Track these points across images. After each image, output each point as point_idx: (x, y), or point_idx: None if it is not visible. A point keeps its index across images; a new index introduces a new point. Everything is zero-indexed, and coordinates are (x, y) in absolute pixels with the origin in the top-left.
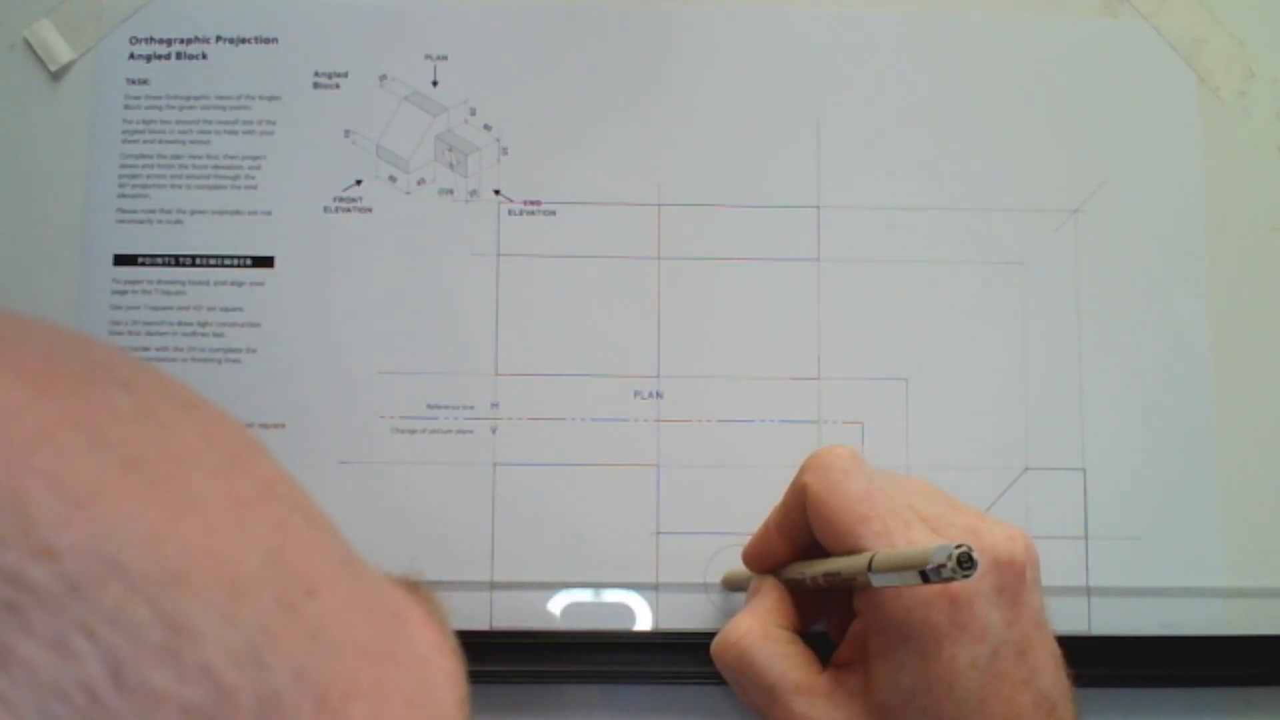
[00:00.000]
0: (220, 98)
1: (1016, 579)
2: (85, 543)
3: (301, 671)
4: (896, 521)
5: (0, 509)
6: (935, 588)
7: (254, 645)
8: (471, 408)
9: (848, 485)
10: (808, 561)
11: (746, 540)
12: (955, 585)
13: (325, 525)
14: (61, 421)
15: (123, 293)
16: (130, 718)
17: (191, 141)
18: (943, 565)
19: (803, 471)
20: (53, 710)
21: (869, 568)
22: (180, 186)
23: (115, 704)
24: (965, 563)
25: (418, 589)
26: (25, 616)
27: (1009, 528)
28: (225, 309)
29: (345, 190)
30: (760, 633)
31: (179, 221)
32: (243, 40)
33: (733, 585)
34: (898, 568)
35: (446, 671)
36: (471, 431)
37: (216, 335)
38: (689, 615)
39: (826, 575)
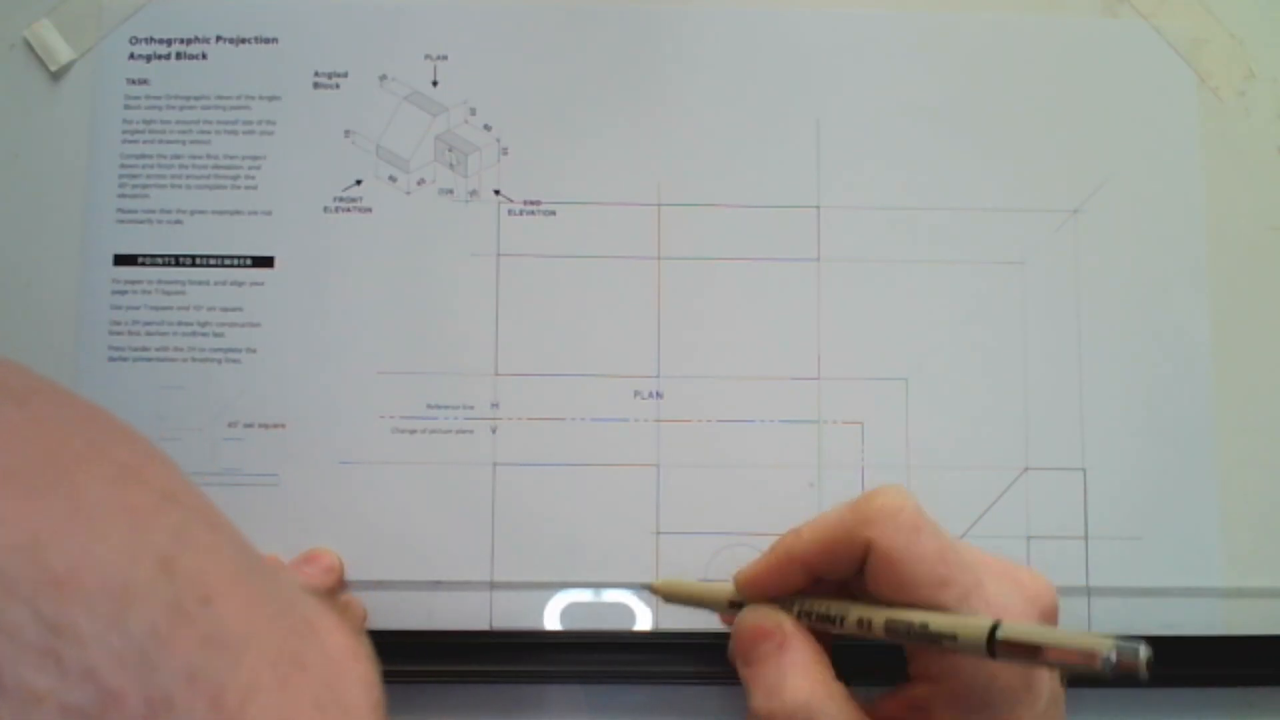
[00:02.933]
0: (220, 98)
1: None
2: None
3: (194, 675)
4: (969, 579)
5: None
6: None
7: (143, 649)
8: (471, 408)
9: (922, 546)
10: (854, 603)
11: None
12: None
13: (230, 535)
14: None
15: (123, 293)
16: (7, 716)
17: (191, 141)
18: (1128, 663)
19: (863, 522)
20: None
21: (989, 642)
22: (180, 186)
23: None
24: (1145, 659)
25: (332, 597)
26: None
27: (1037, 573)
28: (225, 309)
29: (345, 190)
30: (823, 693)
31: (179, 221)
32: (243, 40)
33: (675, 597)
34: (1046, 647)
35: (359, 675)
36: (471, 431)
37: (216, 335)
38: (689, 615)
39: (890, 626)
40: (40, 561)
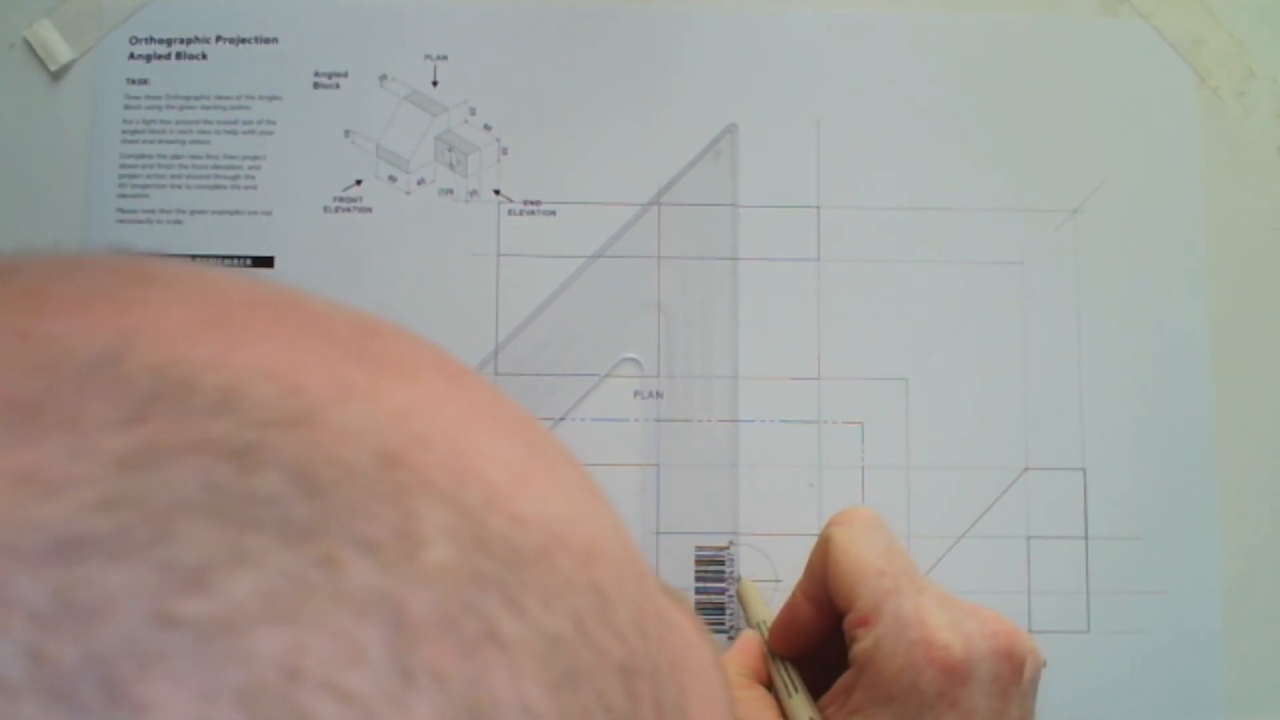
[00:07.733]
0: (220, 98)
1: (1014, 672)
2: (538, 514)
3: (660, 643)
4: (909, 584)
5: (467, 482)
6: (936, 655)
7: (639, 617)
8: None
9: (871, 538)
10: (803, 694)
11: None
12: (955, 659)
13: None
14: (479, 410)
15: None
16: (592, 663)
17: (192, 141)
18: None
19: (827, 525)
20: (556, 652)
21: None
22: (180, 187)
23: (585, 653)
24: None
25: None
26: (523, 575)
27: (1007, 619)
28: None
29: (345, 190)
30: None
31: (179, 222)
32: (243, 40)
33: (741, 600)
34: None
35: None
36: None
37: None
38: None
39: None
40: (580, 534)
